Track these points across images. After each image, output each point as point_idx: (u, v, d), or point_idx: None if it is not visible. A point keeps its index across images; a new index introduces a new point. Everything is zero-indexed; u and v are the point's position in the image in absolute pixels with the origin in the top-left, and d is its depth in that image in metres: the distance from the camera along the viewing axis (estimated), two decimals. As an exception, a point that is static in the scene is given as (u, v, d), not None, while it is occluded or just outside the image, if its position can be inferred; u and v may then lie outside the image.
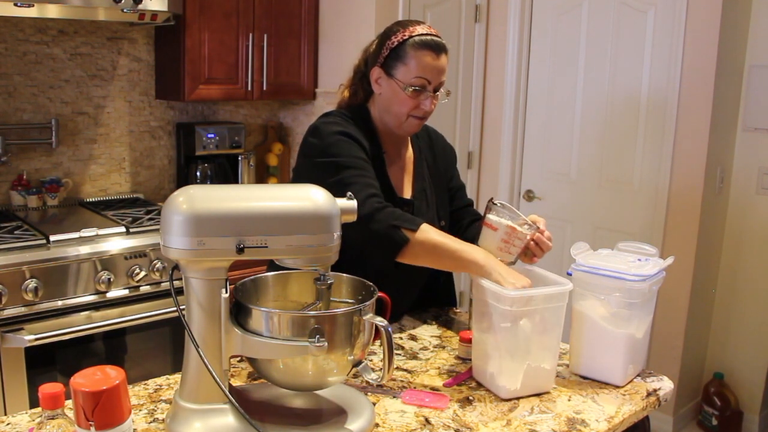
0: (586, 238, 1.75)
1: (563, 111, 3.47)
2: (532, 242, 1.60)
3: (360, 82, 1.81)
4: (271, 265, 1.70)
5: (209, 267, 1.18)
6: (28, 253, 2.32)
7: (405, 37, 1.67)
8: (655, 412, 1.57)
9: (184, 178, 3.26)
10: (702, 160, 2.99)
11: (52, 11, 2.52)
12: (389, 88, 1.70)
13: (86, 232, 2.49)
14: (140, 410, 1.33)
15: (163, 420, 1.28)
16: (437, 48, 1.67)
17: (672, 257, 1.54)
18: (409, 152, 1.85)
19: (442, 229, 1.83)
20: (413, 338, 1.74)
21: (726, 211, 3.21)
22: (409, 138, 1.86)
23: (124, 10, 2.58)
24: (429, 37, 1.67)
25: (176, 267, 1.21)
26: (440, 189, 1.88)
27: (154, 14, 2.69)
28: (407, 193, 1.81)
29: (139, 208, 2.92)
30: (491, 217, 1.58)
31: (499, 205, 1.57)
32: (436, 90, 1.70)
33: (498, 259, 1.54)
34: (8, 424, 1.27)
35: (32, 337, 2.27)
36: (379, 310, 1.31)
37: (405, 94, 1.67)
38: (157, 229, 2.57)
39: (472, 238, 1.74)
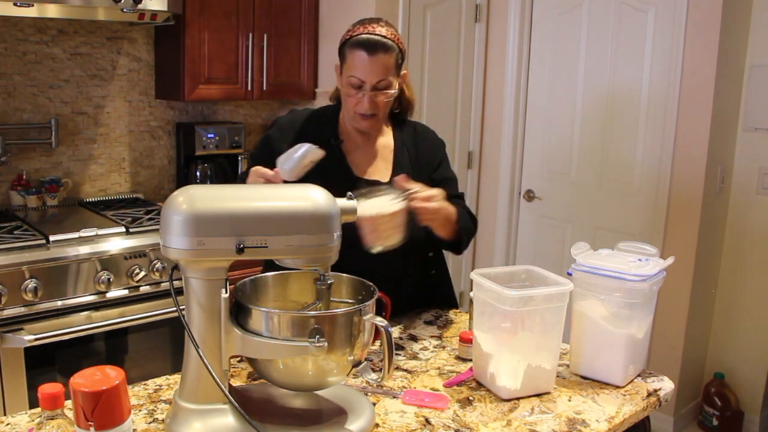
0: (586, 238, 1.74)
1: (563, 111, 3.46)
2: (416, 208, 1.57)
3: None
4: (268, 265, 1.70)
5: (209, 267, 1.17)
6: (28, 253, 2.32)
7: (347, 37, 1.75)
8: (655, 413, 1.57)
9: (183, 178, 3.26)
10: (702, 160, 2.98)
11: (52, 11, 2.52)
12: (339, 84, 1.79)
13: (86, 232, 2.49)
14: (140, 410, 1.33)
15: (162, 420, 1.28)
16: (371, 47, 1.69)
17: (672, 257, 1.54)
18: (387, 140, 1.88)
19: None
20: (413, 338, 1.74)
21: (726, 211, 3.21)
22: (388, 128, 1.89)
23: (124, 10, 2.58)
24: (365, 36, 1.71)
25: (176, 267, 1.21)
26: (421, 180, 1.87)
27: (154, 14, 2.69)
28: (383, 178, 1.83)
29: (138, 208, 2.92)
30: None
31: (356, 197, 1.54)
32: (379, 89, 1.72)
33: (388, 243, 1.52)
34: (8, 424, 1.27)
35: (32, 337, 2.26)
36: (379, 310, 1.31)
37: (345, 90, 1.75)
38: (157, 229, 2.56)
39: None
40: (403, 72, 1.80)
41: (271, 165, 1.69)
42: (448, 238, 1.75)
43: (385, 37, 1.71)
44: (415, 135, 1.92)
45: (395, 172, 1.84)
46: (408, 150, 1.87)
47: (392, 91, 1.75)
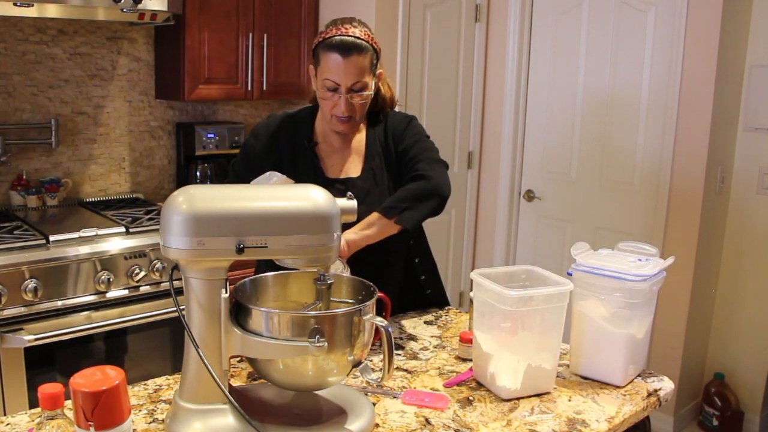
0: (586, 238, 1.75)
1: (563, 111, 3.46)
2: None
3: None
4: (262, 265, 1.69)
5: (209, 267, 1.17)
6: (28, 253, 2.32)
7: (320, 40, 1.73)
8: (655, 413, 1.57)
9: (183, 178, 3.26)
10: (702, 160, 2.98)
11: (52, 11, 2.52)
12: (315, 86, 1.77)
13: (86, 232, 2.49)
14: (140, 410, 1.33)
15: (162, 420, 1.28)
16: (345, 49, 1.68)
17: (672, 257, 1.54)
18: (362, 136, 1.87)
19: None
20: (413, 338, 1.74)
21: (726, 211, 3.21)
22: (363, 124, 1.88)
23: (124, 10, 2.58)
24: (338, 38, 1.69)
25: (176, 267, 1.21)
26: (392, 166, 1.86)
27: (154, 14, 2.69)
28: (355, 173, 1.83)
29: (138, 208, 2.92)
30: None
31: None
32: (355, 91, 1.71)
33: None
34: (8, 424, 1.27)
35: (32, 337, 2.26)
36: (379, 310, 1.31)
37: (321, 93, 1.74)
38: (157, 229, 2.56)
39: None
40: (378, 71, 1.79)
41: (251, 172, 1.72)
42: (397, 231, 1.71)
43: (358, 38, 1.70)
44: (385, 122, 1.89)
45: (366, 164, 1.84)
46: (379, 140, 1.86)
47: (368, 93, 1.74)
